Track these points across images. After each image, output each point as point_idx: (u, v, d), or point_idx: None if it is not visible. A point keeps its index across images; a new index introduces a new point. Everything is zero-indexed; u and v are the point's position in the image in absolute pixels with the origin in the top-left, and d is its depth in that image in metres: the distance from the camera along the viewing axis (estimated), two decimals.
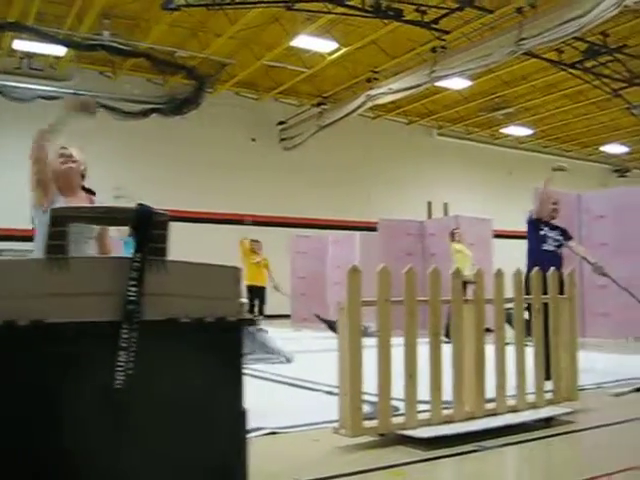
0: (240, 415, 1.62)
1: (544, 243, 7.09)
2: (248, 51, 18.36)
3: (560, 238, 7.21)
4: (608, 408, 5.24)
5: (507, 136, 27.31)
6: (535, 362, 4.88)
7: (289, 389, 6.53)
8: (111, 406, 1.46)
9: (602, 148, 29.38)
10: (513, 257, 11.73)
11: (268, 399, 5.96)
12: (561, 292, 5.23)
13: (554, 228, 7.26)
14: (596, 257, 7.85)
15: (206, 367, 1.58)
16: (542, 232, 7.13)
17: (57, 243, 1.49)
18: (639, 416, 4.97)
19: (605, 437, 4.43)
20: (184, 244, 9.81)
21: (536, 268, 5.07)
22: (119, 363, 1.44)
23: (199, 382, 1.56)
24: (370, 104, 18.85)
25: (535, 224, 7.21)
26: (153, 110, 18.13)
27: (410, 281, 4.12)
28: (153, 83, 19.88)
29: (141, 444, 1.51)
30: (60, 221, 1.52)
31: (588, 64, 18.51)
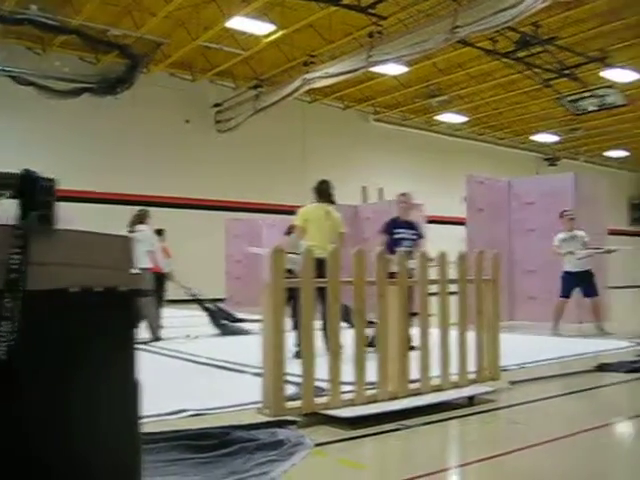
0: (132, 388, 1.58)
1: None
2: (183, 31, 18.02)
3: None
4: (526, 387, 5.39)
5: (442, 123, 27.67)
6: (458, 343, 4.97)
7: (216, 371, 6.50)
8: None
9: (534, 137, 30.07)
10: (444, 241, 11.95)
11: (194, 381, 5.94)
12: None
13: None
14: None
15: (95, 338, 1.53)
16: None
17: None
18: (555, 394, 5.14)
19: (522, 414, 4.55)
20: (113, 228, 9.64)
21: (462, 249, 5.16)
22: (1, 333, 1.38)
23: (88, 353, 1.52)
24: (306, 88, 18.79)
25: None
26: (84, 89, 17.61)
27: (334, 263, 4.13)
28: (85, 61, 19.33)
29: (27, 417, 1.46)
30: None
31: (521, 54, 18.87)
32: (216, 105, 22.10)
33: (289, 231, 10.95)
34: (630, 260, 11.69)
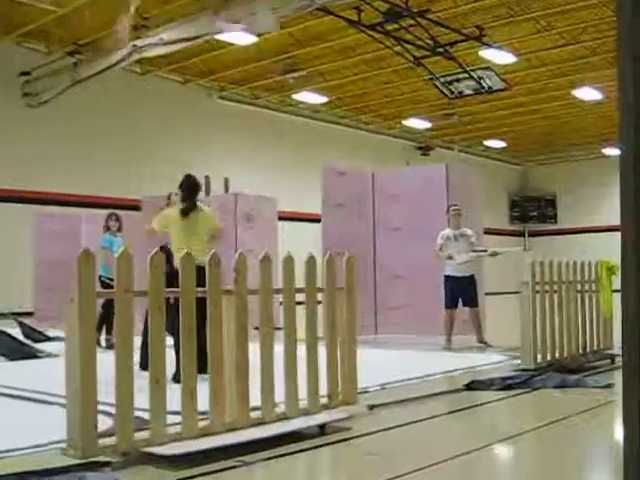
0: None
1: None
2: None
3: None
4: (388, 411, 5.53)
5: (300, 103, 27.96)
6: (307, 362, 5.02)
7: (15, 403, 6.23)
8: None
9: (404, 122, 30.98)
10: (302, 241, 12.08)
11: None
12: None
13: None
14: None
15: None
16: None
17: None
18: (418, 418, 5.31)
19: (379, 443, 4.66)
20: None
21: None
22: None
23: None
24: (137, 57, 18.37)
25: None
26: None
27: (155, 270, 4.05)
28: None
29: None
30: None
31: (389, 27, 19.38)
32: (24, 74, 21.16)
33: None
34: (505, 263, 12.22)
